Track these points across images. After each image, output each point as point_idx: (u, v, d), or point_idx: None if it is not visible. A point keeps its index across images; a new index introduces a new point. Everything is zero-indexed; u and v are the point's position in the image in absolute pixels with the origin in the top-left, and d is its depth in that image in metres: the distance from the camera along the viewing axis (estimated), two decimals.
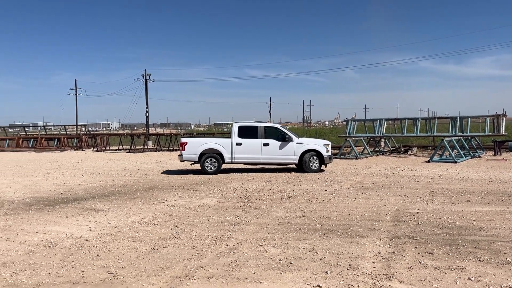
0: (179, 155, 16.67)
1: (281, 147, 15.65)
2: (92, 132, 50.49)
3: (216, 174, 15.56)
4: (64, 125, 48.63)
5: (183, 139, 16.57)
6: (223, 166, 16.31)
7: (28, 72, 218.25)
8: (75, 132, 46.86)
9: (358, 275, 4.94)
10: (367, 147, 24.69)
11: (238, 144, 15.75)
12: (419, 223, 7.46)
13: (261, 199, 10.17)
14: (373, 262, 5.39)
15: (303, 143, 15.80)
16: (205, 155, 15.81)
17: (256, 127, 16.09)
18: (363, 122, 28.41)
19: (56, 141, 38.78)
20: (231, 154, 15.81)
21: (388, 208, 8.82)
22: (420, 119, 24.69)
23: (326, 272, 5.05)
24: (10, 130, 50.63)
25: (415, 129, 23.76)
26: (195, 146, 15.99)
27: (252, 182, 13.28)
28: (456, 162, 18.63)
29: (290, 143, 15.65)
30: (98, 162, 22.83)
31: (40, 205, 9.72)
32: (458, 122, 22.61)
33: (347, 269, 5.16)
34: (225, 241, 6.48)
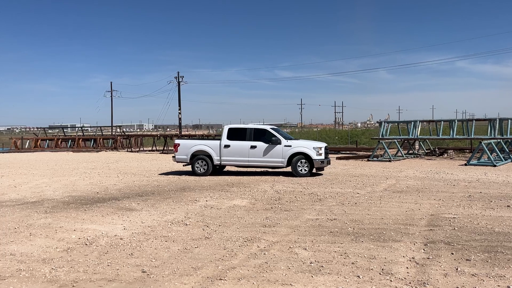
0: (172, 156, 17.00)
1: (268, 150, 15.34)
2: (126, 133, 51.76)
3: (206, 176, 15.61)
4: (100, 126, 50.06)
5: (176, 141, 16.83)
6: (250, 169, 16.38)
7: (67, 75, 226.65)
8: (110, 133, 48.16)
9: (391, 280, 4.84)
10: (400, 150, 24.16)
11: (226, 146, 15.74)
12: (456, 228, 7.24)
13: (291, 201, 10.14)
14: (407, 268, 5.27)
15: (291, 146, 15.22)
16: (196, 156, 16.01)
17: (245, 129, 16.06)
18: (396, 124, 27.86)
19: (92, 142, 40.00)
20: (220, 156, 15.81)
21: (423, 212, 8.60)
22: (456, 121, 23.94)
23: (358, 276, 4.98)
24: (49, 131, 52.60)
25: (451, 131, 23.05)
26: (186, 148, 16.21)
27: (283, 184, 13.26)
28: (495, 166, 17.95)
29: (278, 146, 15.25)
30: (132, 162, 23.38)
31: (77, 204, 10.05)
32: (497, 124, 21.79)
33: (380, 274, 5.07)
34: (256, 242, 6.50)
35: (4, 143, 46.70)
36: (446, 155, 24.38)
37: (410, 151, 25.48)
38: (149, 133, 76.62)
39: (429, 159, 22.76)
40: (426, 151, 25.84)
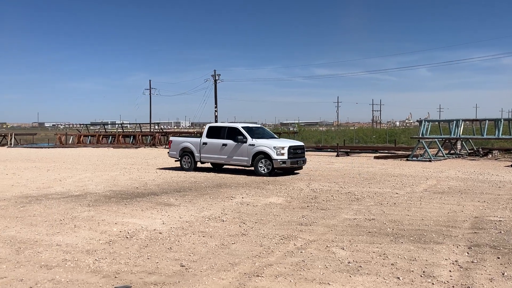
0: (168, 152, 18.40)
1: (236, 148, 15.65)
2: (164, 130, 52.87)
3: (191, 171, 16.53)
4: (139, 123, 51.41)
5: (171, 138, 18.27)
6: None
7: (107, 74, 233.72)
8: (148, 130, 49.33)
9: (433, 283, 4.70)
10: (441, 149, 23.41)
11: (204, 144, 16.52)
12: (502, 231, 6.93)
13: (328, 200, 10.04)
14: (450, 271, 5.10)
15: (254, 145, 15.25)
16: (183, 153, 17.08)
17: (220, 128, 16.72)
18: (437, 122, 26.99)
19: (131, 138, 41.16)
20: (199, 153, 16.64)
21: (466, 214, 8.29)
22: (502, 120, 22.90)
23: (398, 277, 4.86)
24: (91, 128, 54.52)
25: (497, 131, 22.09)
26: (176, 144, 17.48)
27: (319, 182, 13.14)
28: None
29: (244, 144, 15.43)
30: (170, 158, 23.83)
31: (118, 198, 10.36)
32: None
33: (421, 276, 4.93)
34: (293, 240, 6.48)
35: (50, 138, 48.82)
36: (490, 155, 23.39)
37: (452, 151, 24.64)
38: (186, 130, 77.94)
39: (472, 160, 21.92)
40: (469, 151, 24.88)
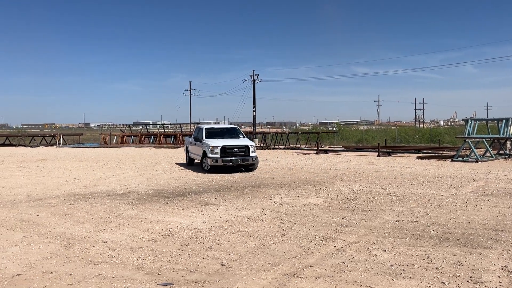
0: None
1: (198, 147, 17.50)
2: None
3: (191, 165, 18.81)
4: (180, 124, 52.41)
5: (185, 137, 21.99)
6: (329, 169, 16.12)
7: (149, 75, 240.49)
8: (189, 130, 50.18)
9: None
10: (489, 150, 22.37)
11: (190, 143, 19.16)
12: None
13: (369, 201, 9.84)
14: (499, 277, 4.87)
15: (202, 144, 16.83)
16: (186, 151, 20.12)
17: (198, 128, 18.80)
18: (485, 121, 25.84)
19: (172, 138, 42.03)
20: (188, 152, 19.57)
21: None
22: None
23: (443, 282, 4.70)
24: (134, 128, 56.17)
25: None
26: (186, 143, 20.72)
27: (360, 183, 12.92)
28: None
29: (201, 144, 17.07)
30: None
31: (160, 197, 10.62)
32: None
33: (468, 281, 4.74)
34: (333, 242, 6.40)
35: (95, 139, 50.72)
36: None
37: (501, 151, 23.49)
38: None
39: None
40: None
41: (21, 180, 14.35)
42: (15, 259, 5.66)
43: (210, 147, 16.04)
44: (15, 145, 43.95)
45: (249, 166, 16.58)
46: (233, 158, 16.02)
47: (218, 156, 15.90)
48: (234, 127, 19.37)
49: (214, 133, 17.68)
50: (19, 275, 5.08)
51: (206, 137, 17.06)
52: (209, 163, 16.04)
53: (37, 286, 4.72)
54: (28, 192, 11.50)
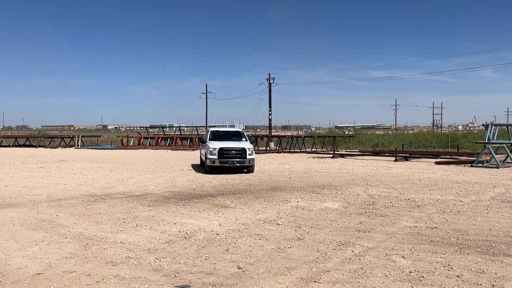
0: None
1: (204, 148, 18.16)
2: None
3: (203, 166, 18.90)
4: (196, 126, 52.75)
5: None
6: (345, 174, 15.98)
7: (165, 78, 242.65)
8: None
9: None
10: (510, 155, 21.91)
11: (200, 145, 19.94)
12: None
13: (387, 206, 9.72)
14: None
15: (205, 146, 17.66)
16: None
17: (208, 131, 19.62)
18: (505, 127, 25.31)
19: (188, 141, 42.26)
20: (200, 153, 20.05)
21: None
22: None
23: None
24: (150, 130, 56.67)
25: None
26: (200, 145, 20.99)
27: (377, 188, 12.77)
28: None
29: (204, 145, 18.04)
30: None
31: (176, 199, 10.67)
32: None
33: None
34: (350, 247, 6.33)
35: (113, 140, 51.37)
36: None
37: None
38: None
39: None
40: None
41: (41, 180, 14.61)
42: (35, 258, 5.75)
43: (210, 149, 16.80)
44: (35, 146, 44.84)
45: (246, 168, 17.20)
46: (230, 159, 16.71)
47: (215, 157, 16.63)
48: (238, 131, 20.35)
49: (218, 136, 18.61)
50: (39, 274, 5.15)
51: (209, 139, 17.98)
52: (207, 164, 16.84)
53: (57, 286, 4.78)
54: (48, 193, 11.69)
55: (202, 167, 18.87)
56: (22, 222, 8.00)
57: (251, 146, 17.66)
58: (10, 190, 12.23)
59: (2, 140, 49.27)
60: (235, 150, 16.91)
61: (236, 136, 19.06)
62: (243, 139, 18.66)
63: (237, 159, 16.76)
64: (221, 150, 16.69)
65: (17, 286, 4.79)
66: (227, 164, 16.65)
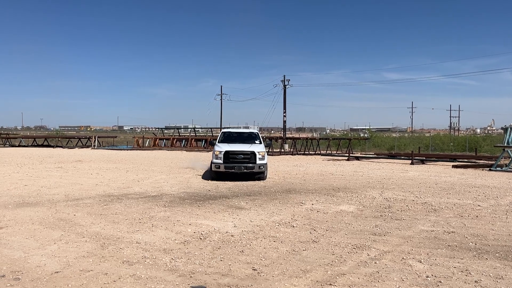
0: None
1: (213, 150, 16.40)
2: None
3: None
4: (211, 128, 52.94)
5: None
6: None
7: (181, 80, 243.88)
8: None
9: None
10: None
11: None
12: None
13: (403, 210, 9.62)
14: None
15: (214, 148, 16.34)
16: None
17: (221, 132, 18.16)
18: None
19: (203, 142, 42.49)
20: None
21: None
22: None
23: None
24: (166, 131, 57.18)
25: None
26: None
27: (393, 191, 12.65)
28: None
29: (214, 146, 16.34)
30: None
31: (191, 200, 10.74)
32: None
33: None
34: (366, 250, 6.29)
35: (128, 141, 51.96)
36: None
37: None
38: None
39: None
40: None
41: (58, 180, 14.85)
42: (53, 257, 5.85)
43: (215, 152, 15.10)
44: (53, 146, 45.62)
45: (256, 175, 15.01)
46: (236, 165, 14.80)
47: (221, 161, 14.84)
48: (252, 132, 18.40)
49: (230, 137, 16.84)
50: (57, 272, 5.24)
51: (219, 141, 16.34)
52: (211, 169, 15.12)
53: (75, 284, 4.86)
54: (66, 192, 11.87)
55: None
56: (41, 221, 8.15)
57: (263, 149, 15.62)
58: (29, 189, 12.46)
59: (21, 140, 50.30)
60: (243, 154, 14.95)
61: (249, 138, 17.12)
62: (257, 141, 16.69)
63: (245, 165, 14.78)
64: (227, 154, 14.85)
65: (36, 283, 4.88)
66: (233, 170, 14.76)
